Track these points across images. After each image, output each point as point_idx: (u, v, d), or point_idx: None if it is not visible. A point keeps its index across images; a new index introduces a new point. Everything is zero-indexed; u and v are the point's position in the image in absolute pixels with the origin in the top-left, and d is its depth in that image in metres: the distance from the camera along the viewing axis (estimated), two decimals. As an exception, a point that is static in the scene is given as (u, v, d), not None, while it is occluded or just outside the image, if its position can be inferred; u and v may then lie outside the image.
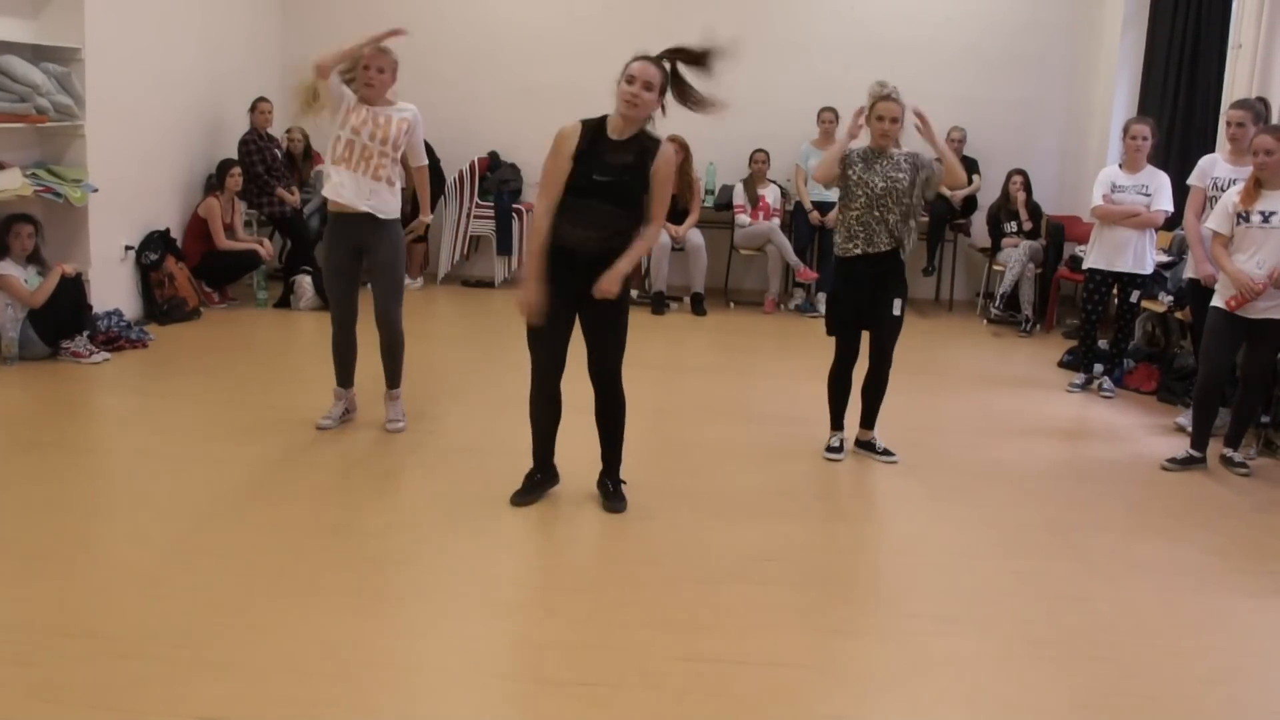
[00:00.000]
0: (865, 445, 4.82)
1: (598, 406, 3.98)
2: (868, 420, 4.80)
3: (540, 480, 4.08)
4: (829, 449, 4.77)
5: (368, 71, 4.53)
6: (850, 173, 4.56)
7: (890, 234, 4.53)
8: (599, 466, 4.09)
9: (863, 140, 4.63)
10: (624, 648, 3.03)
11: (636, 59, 3.66)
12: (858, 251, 4.54)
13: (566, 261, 3.71)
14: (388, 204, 4.62)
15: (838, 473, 4.61)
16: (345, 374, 4.84)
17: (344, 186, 4.53)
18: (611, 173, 3.66)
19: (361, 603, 3.22)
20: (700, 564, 3.62)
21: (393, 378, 4.85)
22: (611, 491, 4.06)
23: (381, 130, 4.54)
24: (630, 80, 3.61)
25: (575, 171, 3.67)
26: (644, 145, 3.71)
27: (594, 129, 3.70)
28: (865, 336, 4.67)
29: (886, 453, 4.77)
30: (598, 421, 4.02)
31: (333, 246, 4.68)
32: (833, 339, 4.71)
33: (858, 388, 4.75)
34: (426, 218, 5.09)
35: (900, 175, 4.51)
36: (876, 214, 4.51)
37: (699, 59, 3.69)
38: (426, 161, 4.89)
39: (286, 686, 2.74)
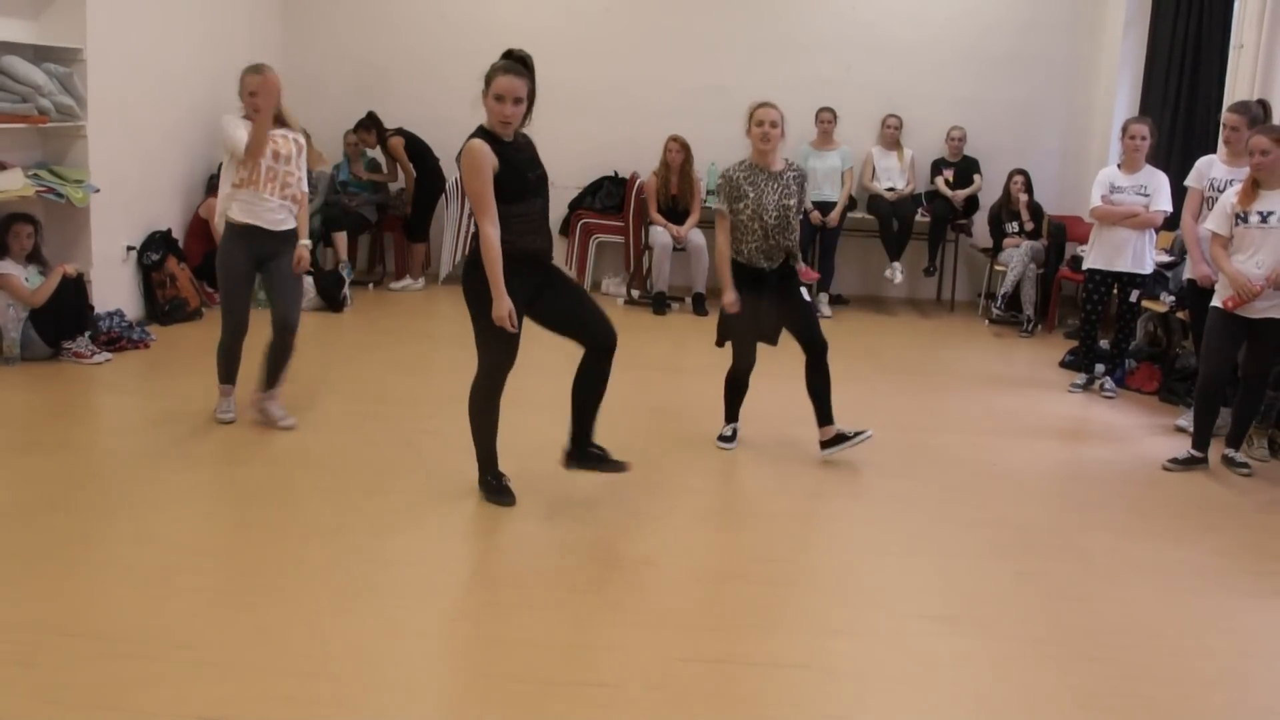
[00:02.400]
0: (835, 441, 4.66)
1: (592, 373, 3.88)
2: (825, 417, 4.66)
3: (505, 480, 4.05)
4: (720, 438, 4.80)
5: (254, 99, 4.53)
6: (741, 205, 4.50)
7: (786, 250, 4.61)
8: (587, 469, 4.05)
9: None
10: (624, 648, 3.03)
11: (499, 73, 3.67)
12: (763, 266, 4.57)
13: (524, 268, 3.74)
14: (296, 219, 4.75)
15: (837, 473, 4.61)
16: (233, 373, 4.85)
17: (267, 211, 4.59)
18: (534, 168, 3.82)
19: (361, 603, 3.22)
20: (700, 564, 3.62)
21: (275, 379, 4.80)
22: (602, 455, 3.99)
23: (285, 152, 4.63)
24: (500, 99, 3.66)
25: (510, 179, 3.70)
26: (528, 140, 3.89)
27: (491, 140, 3.71)
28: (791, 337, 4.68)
29: (858, 433, 4.65)
30: (587, 388, 3.90)
31: (235, 257, 4.64)
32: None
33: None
34: (304, 240, 4.77)
35: (791, 203, 4.57)
36: (773, 241, 4.55)
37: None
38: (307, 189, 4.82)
39: (286, 686, 2.74)
